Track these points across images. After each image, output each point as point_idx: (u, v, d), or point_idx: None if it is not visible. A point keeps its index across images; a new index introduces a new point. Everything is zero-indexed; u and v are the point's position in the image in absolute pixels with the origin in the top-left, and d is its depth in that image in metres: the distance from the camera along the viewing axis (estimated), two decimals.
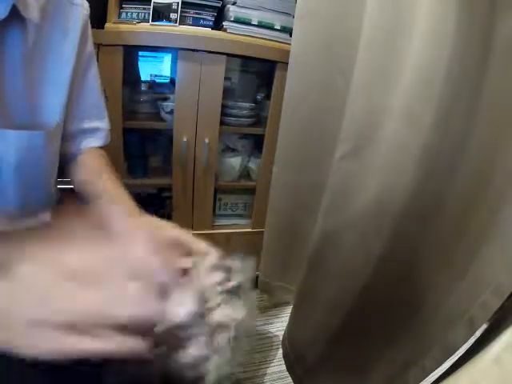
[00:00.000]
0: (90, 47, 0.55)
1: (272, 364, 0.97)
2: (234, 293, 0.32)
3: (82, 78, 0.54)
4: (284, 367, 0.95)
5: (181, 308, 0.30)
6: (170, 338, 0.29)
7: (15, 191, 0.46)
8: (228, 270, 0.34)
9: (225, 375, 0.30)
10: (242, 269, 0.34)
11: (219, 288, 0.32)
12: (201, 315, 0.30)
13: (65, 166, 0.57)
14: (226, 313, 0.31)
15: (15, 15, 0.41)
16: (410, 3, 0.56)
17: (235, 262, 0.34)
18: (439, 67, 0.52)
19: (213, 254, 0.36)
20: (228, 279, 0.33)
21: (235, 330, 0.31)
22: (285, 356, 0.96)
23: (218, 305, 0.31)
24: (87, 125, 0.58)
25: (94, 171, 0.55)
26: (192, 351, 0.29)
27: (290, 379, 0.92)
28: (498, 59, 0.50)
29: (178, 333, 0.29)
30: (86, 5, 0.53)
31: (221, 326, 0.31)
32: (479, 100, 0.52)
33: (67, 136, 0.55)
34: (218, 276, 0.33)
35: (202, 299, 0.31)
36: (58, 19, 0.48)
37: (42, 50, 0.46)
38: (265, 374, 0.94)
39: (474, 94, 0.52)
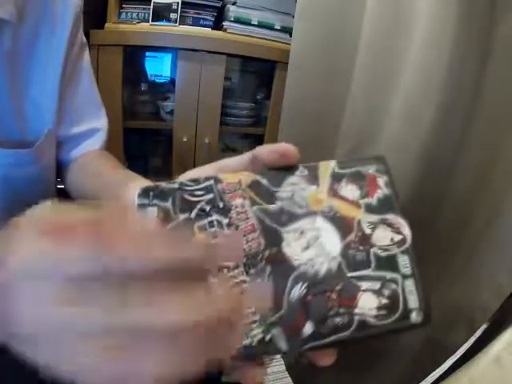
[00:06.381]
0: (80, 38, 0.48)
1: (272, 364, 0.97)
2: (379, 204, 0.23)
3: (72, 72, 0.47)
4: (284, 367, 0.95)
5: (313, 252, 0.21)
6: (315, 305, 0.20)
7: (3, 202, 0.42)
8: (362, 178, 0.24)
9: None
10: (379, 172, 0.24)
11: (361, 202, 0.23)
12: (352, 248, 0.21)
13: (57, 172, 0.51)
14: (387, 234, 0.22)
15: None
16: (410, 3, 0.56)
17: (364, 165, 0.24)
18: (439, 67, 0.52)
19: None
20: (365, 191, 0.23)
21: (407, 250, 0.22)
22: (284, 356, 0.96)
23: (373, 226, 0.22)
24: (83, 128, 0.50)
25: (93, 170, 0.48)
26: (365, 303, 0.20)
27: (289, 379, 0.92)
28: (497, 59, 0.50)
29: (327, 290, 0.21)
30: None
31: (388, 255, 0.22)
32: (479, 100, 0.52)
33: (58, 143, 0.48)
34: (352, 189, 0.23)
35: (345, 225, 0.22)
36: (42, 10, 0.41)
37: (26, 51, 0.40)
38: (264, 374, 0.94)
39: (474, 93, 0.52)
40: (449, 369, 0.44)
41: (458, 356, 0.46)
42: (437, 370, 0.51)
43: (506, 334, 0.29)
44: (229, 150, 1.24)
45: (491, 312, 0.43)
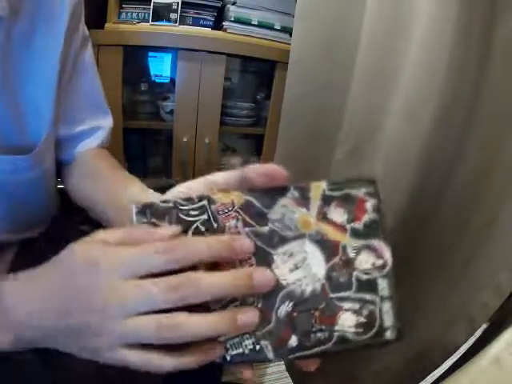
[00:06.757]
0: (82, 31, 0.46)
1: (271, 364, 0.97)
2: (367, 230, 0.24)
3: (74, 66, 0.45)
4: (284, 367, 0.95)
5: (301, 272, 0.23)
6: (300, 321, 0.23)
7: (4, 206, 0.41)
8: (351, 201, 0.24)
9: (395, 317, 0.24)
10: (369, 195, 0.24)
11: (348, 226, 0.24)
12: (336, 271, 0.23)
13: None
14: (369, 259, 0.24)
15: None
16: (410, 4, 0.56)
17: (354, 187, 0.24)
18: (439, 67, 0.52)
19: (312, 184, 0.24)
20: (353, 215, 0.24)
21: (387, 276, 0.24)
22: None
23: (357, 251, 0.24)
24: (85, 126, 0.49)
25: (91, 170, 0.47)
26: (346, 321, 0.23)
27: (289, 379, 0.92)
28: (497, 59, 0.50)
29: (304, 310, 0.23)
30: None
31: (369, 280, 0.23)
32: (479, 100, 0.52)
33: (58, 142, 0.47)
34: (340, 212, 0.24)
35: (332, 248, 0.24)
36: (38, 6, 0.39)
37: (20, 48, 0.38)
38: (264, 375, 0.94)
39: (474, 93, 0.52)
40: (449, 369, 0.44)
41: (458, 356, 0.46)
42: (437, 370, 0.51)
43: (506, 334, 0.29)
44: (229, 150, 1.24)
45: (491, 312, 0.43)
